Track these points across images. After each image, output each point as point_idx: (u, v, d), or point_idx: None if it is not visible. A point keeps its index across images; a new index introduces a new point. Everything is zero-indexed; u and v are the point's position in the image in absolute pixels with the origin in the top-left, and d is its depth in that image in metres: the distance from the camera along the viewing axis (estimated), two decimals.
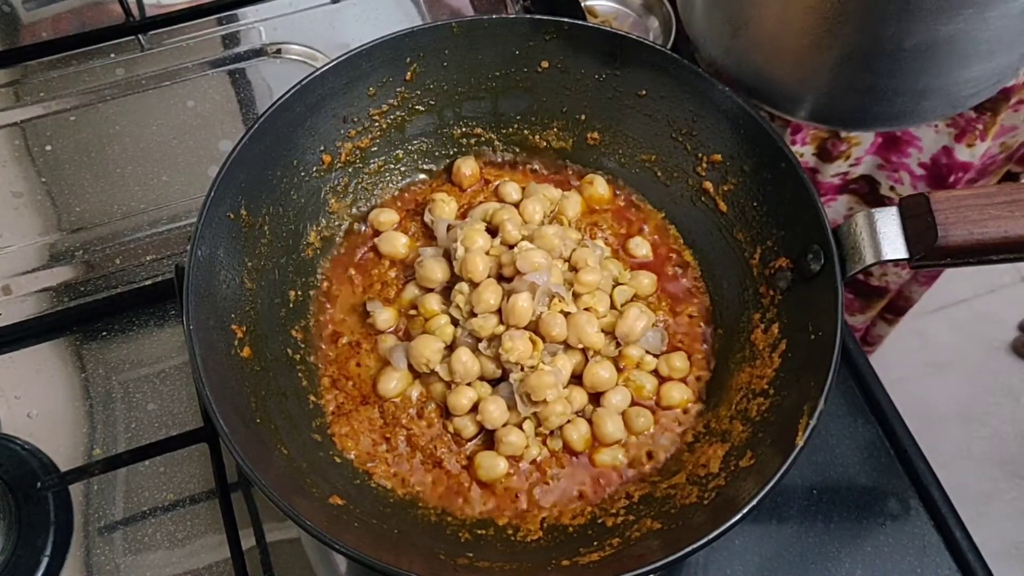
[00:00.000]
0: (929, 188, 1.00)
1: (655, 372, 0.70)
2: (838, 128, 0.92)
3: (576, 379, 0.68)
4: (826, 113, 0.81)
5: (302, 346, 0.70)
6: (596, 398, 0.68)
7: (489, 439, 0.67)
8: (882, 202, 1.04)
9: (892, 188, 1.02)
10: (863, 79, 0.75)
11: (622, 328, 0.68)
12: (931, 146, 0.96)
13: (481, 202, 0.77)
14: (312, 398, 0.68)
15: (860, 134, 0.95)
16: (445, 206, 0.75)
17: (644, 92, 0.73)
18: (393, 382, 0.69)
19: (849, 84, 0.75)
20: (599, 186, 0.77)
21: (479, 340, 0.67)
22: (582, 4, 0.96)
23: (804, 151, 1.01)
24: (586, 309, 0.69)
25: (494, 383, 0.68)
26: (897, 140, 0.97)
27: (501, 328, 0.67)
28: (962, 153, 0.95)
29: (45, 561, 0.69)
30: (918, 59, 0.72)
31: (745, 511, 0.54)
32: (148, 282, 0.82)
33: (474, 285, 0.68)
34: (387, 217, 0.76)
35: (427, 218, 0.75)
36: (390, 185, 0.78)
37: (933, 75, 0.74)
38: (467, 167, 0.77)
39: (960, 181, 0.98)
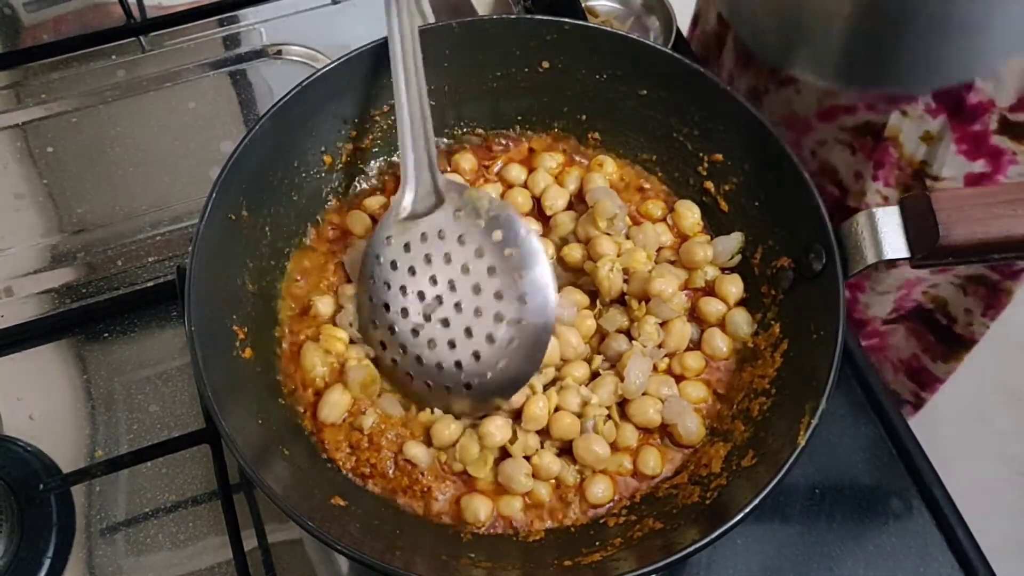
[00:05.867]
0: None
1: (668, 371, 0.69)
2: (850, 86, 0.91)
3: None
4: (841, 73, 0.81)
5: None
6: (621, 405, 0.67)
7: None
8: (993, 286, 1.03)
9: None
10: (874, 46, 0.75)
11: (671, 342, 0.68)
12: None
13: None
14: None
15: (947, 184, 0.93)
16: None
17: (645, 92, 0.73)
18: (333, 407, 0.65)
19: (861, 51, 0.76)
20: (608, 167, 0.76)
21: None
22: (583, 4, 0.96)
23: (889, 194, 0.99)
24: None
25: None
26: None
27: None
28: None
29: (47, 563, 0.69)
30: (924, 29, 0.73)
31: (747, 511, 0.54)
32: (150, 283, 0.82)
33: None
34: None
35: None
36: (391, 186, 0.77)
37: (938, 45, 0.75)
38: (466, 162, 0.77)
39: None
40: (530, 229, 0.65)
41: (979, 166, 0.92)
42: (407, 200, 0.67)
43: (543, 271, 0.64)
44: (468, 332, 0.64)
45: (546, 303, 0.64)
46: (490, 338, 0.64)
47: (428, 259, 0.66)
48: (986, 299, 1.10)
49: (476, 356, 0.64)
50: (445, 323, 0.65)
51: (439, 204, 0.66)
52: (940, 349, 1.21)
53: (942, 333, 1.18)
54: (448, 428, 0.64)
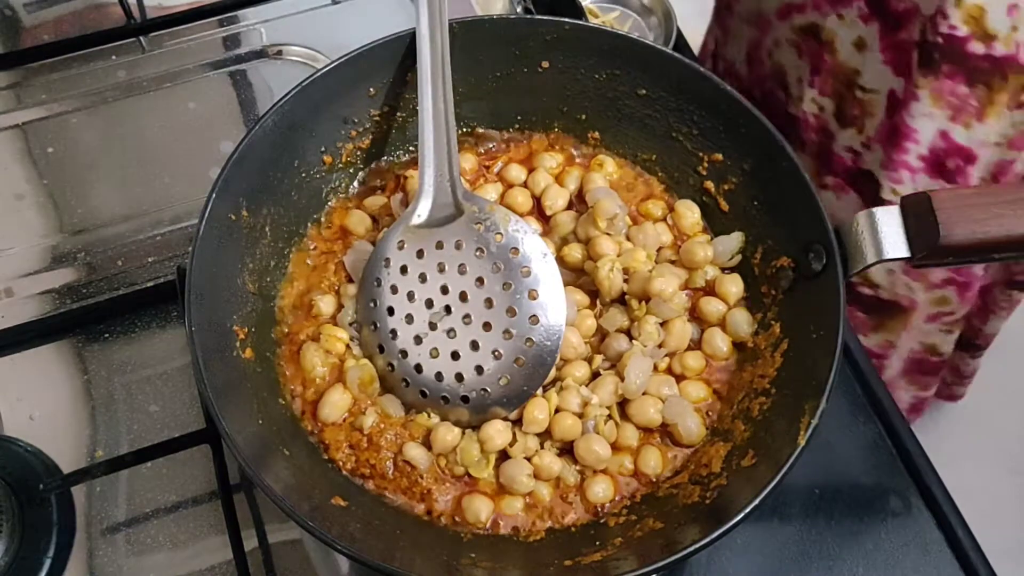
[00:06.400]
0: (931, 180, 1.00)
1: (669, 371, 0.68)
2: None
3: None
4: None
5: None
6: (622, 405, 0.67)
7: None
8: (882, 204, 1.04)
9: (893, 191, 1.02)
10: None
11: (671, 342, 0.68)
12: (928, 135, 0.96)
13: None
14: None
15: (873, 99, 0.95)
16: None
17: (644, 92, 0.73)
18: (333, 407, 0.65)
19: None
20: (608, 167, 0.76)
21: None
22: (582, 4, 0.96)
23: (824, 104, 1.02)
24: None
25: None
26: (896, 131, 0.97)
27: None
28: (959, 135, 0.95)
29: (48, 563, 0.69)
30: None
31: (747, 511, 0.54)
32: (150, 284, 0.82)
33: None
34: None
35: (395, 206, 0.73)
36: (391, 186, 0.78)
37: None
38: (466, 162, 0.77)
39: (963, 171, 0.98)
40: (549, 251, 0.66)
41: (899, 85, 0.94)
42: (423, 208, 0.67)
43: (559, 295, 0.64)
44: (474, 345, 0.64)
45: (558, 327, 0.64)
46: (496, 354, 0.64)
47: (441, 268, 0.66)
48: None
49: (479, 370, 0.64)
50: (451, 333, 0.65)
51: (457, 215, 0.66)
52: (871, 322, 1.23)
53: (869, 304, 1.19)
54: (450, 433, 0.64)
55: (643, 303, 0.68)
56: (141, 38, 0.97)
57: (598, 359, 0.68)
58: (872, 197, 1.06)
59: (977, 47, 0.88)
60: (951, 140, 0.95)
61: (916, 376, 1.34)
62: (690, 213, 0.73)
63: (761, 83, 1.14)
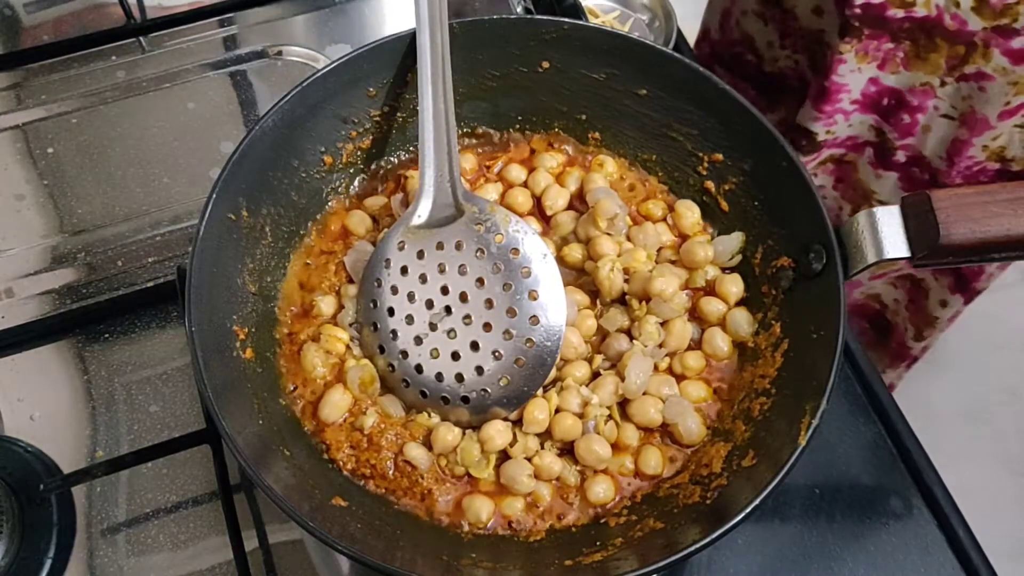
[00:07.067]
0: (864, 115, 1.05)
1: (669, 371, 0.68)
2: None
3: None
4: None
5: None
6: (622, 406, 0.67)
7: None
8: (817, 147, 1.10)
9: (827, 131, 1.08)
10: None
11: (672, 342, 0.68)
12: (858, 85, 1.01)
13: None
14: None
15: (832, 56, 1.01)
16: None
17: (644, 92, 0.73)
18: (334, 407, 0.65)
19: None
20: (609, 167, 0.76)
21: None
22: (583, 4, 0.96)
23: (798, 59, 1.10)
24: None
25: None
26: (823, 90, 1.02)
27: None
28: (888, 79, 1.00)
29: (48, 563, 0.69)
30: None
31: (747, 511, 0.54)
32: (150, 284, 0.82)
33: None
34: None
35: (396, 206, 0.74)
36: (391, 186, 0.78)
37: None
38: (466, 162, 0.77)
39: (897, 114, 1.02)
40: (550, 252, 0.66)
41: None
42: (423, 208, 0.67)
43: (559, 295, 0.64)
44: (474, 346, 0.64)
45: (558, 327, 0.64)
46: (496, 354, 0.64)
47: (441, 269, 0.66)
48: (910, 292, 1.21)
49: (479, 371, 0.64)
50: (451, 334, 0.65)
51: (458, 215, 0.66)
52: (872, 336, 1.29)
53: (876, 321, 1.26)
54: (450, 433, 0.64)
55: (643, 303, 0.68)
56: (141, 38, 0.97)
57: (598, 359, 0.68)
58: (805, 147, 1.11)
59: (896, 12, 0.92)
60: (881, 84, 1.00)
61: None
62: (690, 213, 0.73)
63: (731, 47, 1.19)
